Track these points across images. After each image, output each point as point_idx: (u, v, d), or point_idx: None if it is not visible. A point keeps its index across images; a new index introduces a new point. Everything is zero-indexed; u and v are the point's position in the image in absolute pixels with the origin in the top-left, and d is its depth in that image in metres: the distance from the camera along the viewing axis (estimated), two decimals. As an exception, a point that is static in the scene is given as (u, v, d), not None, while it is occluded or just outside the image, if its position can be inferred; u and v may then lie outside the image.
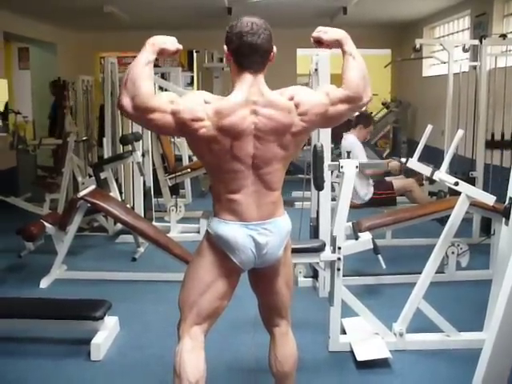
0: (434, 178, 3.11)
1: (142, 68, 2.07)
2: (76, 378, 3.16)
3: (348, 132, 5.82)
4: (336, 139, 9.35)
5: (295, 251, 3.07)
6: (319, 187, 3.22)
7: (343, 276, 4.44)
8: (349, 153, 3.27)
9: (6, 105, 9.37)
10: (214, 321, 2.32)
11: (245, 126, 2.08)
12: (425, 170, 3.29)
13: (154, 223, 6.25)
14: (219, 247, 2.21)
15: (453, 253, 4.51)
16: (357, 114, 6.36)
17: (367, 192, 5.53)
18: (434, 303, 3.44)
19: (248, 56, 2.12)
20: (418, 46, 6.50)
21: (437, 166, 6.79)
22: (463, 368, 2.93)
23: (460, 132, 3.10)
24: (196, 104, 2.08)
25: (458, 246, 4.52)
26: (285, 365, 2.45)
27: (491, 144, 5.88)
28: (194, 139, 2.12)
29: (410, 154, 8.25)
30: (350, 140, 5.67)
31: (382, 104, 10.79)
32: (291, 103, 2.14)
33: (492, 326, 2.31)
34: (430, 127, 3.37)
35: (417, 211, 4.65)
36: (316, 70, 4.25)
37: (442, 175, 3.04)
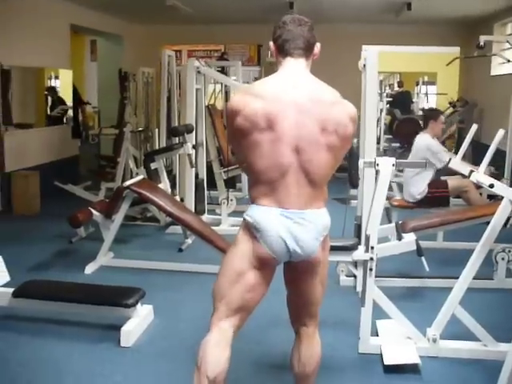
0: (471, 178, 2.97)
1: None
2: (104, 362, 3.22)
3: (421, 132, 5.70)
4: (403, 140, 9.15)
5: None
6: (354, 184, 3.14)
7: (385, 277, 4.36)
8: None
9: (78, 95, 9.68)
10: (245, 316, 2.26)
11: (286, 100, 2.11)
12: (464, 170, 3.14)
13: (206, 215, 6.33)
14: (253, 236, 2.18)
15: (503, 259, 4.32)
16: (424, 113, 6.23)
17: (421, 190, 5.38)
18: (479, 310, 3.32)
19: (289, 41, 2.19)
20: (481, 43, 6.27)
21: (499, 167, 6.58)
22: (497, 380, 2.81)
23: (501, 131, 2.95)
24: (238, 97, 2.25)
25: (510, 251, 4.32)
26: (307, 366, 2.40)
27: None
28: (237, 128, 2.15)
29: (474, 156, 7.95)
30: (425, 141, 5.54)
31: (449, 103, 10.46)
32: (338, 96, 2.20)
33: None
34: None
35: (466, 213, 4.47)
36: (364, 65, 4.17)
37: (479, 176, 2.90)
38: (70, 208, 5.22)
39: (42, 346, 3.38)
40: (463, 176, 5.48)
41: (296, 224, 2.14)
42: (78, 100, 9.55)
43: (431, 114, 5.80)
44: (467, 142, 3.42)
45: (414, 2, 7.76)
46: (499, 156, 6.58)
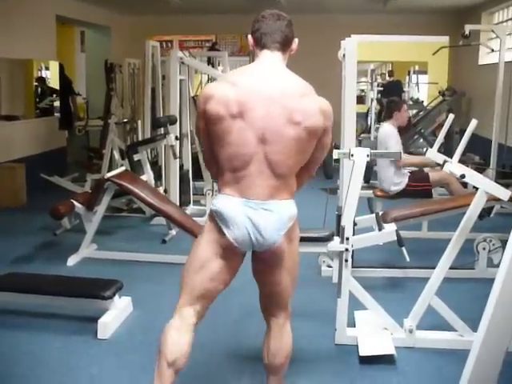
0: (444, 169, 2.96)
1: None
2: (81, 355, 3.21)
3: (384, 122, 5.67)
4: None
5: (302, 240, 3.03)
6: (328, 175, 3.13)
7: (366, 267, 4.37)
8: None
9: (71, 86, 9.60)
10: (206, 304, 2.29)
11: (258, 90, 2.12)
12: (439, 160, 3.14)
13: (191, 206, 6.32)
14: (218, 224, 2.20)
15: (484, 249, 4.32)
16: (387, 103, 6.18)
17: (399, 182, 5.35)
18: (459, 300, 3.34)
19: (267, 34, 2.22)
20: (466, 32, 6.23)
21: (486, 156, 6.57)
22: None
23: (474, 122, 2.94)
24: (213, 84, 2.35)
25: (491, 241, 4.33)
26: (276, 357, 2.40)
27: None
28: (210, 113, 2.15)
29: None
30: (386, 131, 5.51)
31: (438, 92, 10.44)
32: (310, 90, 2.19)
33: (480, 327, 2.19)
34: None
35: (446, 204, 4.47)
36: (344, 55, 4.15)
37: (452, 166, 2.89)
38: (56, 200, 5.18)
39: (19, 338, 3.38)
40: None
41: (258, 213, 2.15)
42: (70, 91, 9.49)
43: (394, 105, 5.65)
44: (444, 132, 3.40)
45: (401, -9, 7.75)
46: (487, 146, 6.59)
